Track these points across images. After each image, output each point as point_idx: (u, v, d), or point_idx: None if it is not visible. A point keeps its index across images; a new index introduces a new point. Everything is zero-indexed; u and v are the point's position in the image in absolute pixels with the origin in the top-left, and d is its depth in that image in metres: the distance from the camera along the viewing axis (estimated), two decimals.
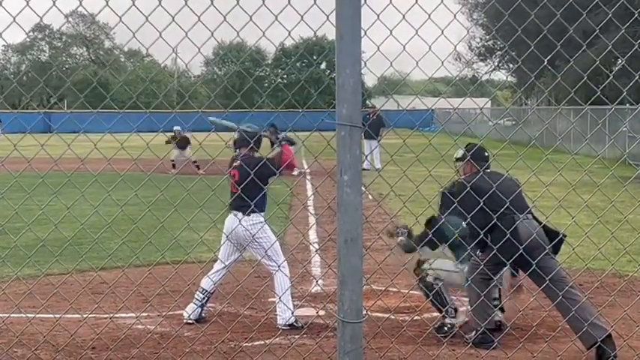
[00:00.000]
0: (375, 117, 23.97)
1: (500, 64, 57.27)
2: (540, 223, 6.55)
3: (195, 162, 22.36)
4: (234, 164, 7.40)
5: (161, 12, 3.72)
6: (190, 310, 7.35)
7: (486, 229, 6.20)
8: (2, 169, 4.93)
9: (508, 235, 5.92)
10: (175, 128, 24.34)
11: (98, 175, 4.23)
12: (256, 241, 7.08)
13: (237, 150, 7.48)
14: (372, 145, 22.31)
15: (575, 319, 6.07)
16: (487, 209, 5.55)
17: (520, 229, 6.28)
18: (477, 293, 6.26)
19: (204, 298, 7.37)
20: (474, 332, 6.59)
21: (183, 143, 23.57)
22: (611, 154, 26.86)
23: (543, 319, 7.03)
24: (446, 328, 6.90)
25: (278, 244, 7.38)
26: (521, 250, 5.49)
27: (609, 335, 6.12)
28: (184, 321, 7.30)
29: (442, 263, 7.08)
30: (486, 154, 6.85)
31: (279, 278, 7.19)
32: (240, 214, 7.16)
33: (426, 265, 7.13)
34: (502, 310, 7.20)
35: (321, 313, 7.52)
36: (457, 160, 7.05)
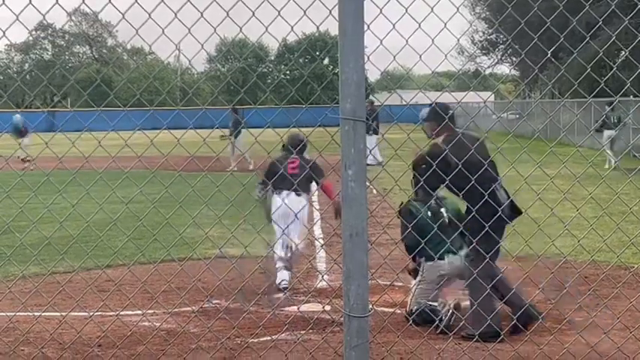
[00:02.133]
0: (371, 111, 23.89)
1: (503, 58, 57.21)
2: (509, 195, 6.62)
3: (24, 157, 19.93)
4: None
5: (163, 9, 3.73)
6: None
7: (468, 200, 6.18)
8: (7, 167, 4.94)
9: (500, 220, 5.89)
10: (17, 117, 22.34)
11: (103, 172, 4.24)
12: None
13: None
14: (371, 140, 22.19)
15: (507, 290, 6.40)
16: (468, 176, 5.39)
17: (500, 200, 6.31)
18: (478, 286, 6.23)
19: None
20: (479, 325, 6.57)
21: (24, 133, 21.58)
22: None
23: (549, 312, 7.02)
24: (443, 317, 6.81)
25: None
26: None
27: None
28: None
29: (420, 289, 7.14)
30: (451, 111, 6.68)
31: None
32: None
33: (409, 299, 7.22)
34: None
35: (327, 308, 7.52)
36: (424, 120, 6.86)
